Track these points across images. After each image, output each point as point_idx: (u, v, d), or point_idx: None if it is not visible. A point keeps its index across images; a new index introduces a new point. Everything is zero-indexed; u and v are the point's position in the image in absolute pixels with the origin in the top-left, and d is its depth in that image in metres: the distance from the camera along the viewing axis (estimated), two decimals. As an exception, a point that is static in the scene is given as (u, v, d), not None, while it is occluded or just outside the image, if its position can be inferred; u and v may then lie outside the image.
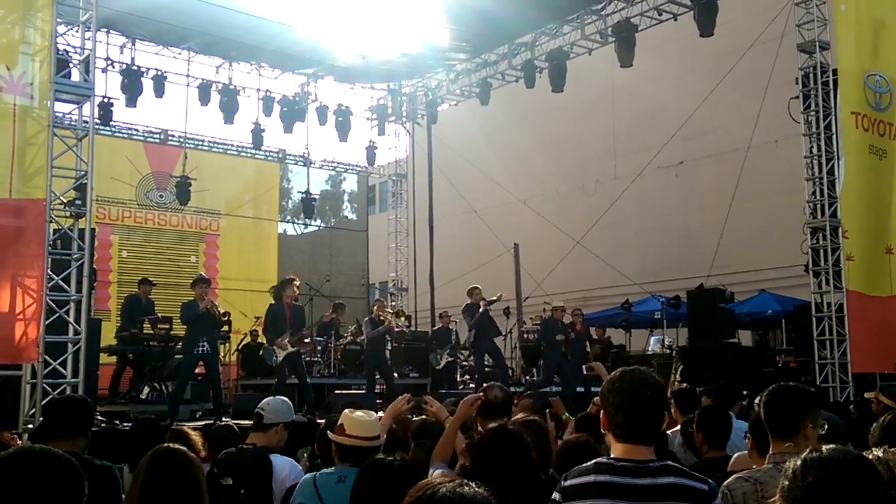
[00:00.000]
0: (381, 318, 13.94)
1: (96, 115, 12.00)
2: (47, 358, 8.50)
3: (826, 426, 3.44)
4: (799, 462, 2.07)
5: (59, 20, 9.18)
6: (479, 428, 4.36)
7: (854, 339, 11.90)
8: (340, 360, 15.69)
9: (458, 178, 23.47)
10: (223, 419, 11.08)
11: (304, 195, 21.49)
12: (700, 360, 13.18)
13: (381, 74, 20.00)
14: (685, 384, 7.12)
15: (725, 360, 12.92)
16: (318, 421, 7.30)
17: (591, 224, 21.08)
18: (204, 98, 18.67)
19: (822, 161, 12.67)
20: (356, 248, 25.28)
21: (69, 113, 9.83)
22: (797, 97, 13.12)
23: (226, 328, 14.88)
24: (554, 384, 14.82)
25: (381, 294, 25.37)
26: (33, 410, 8.46)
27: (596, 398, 4.23)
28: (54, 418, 4.33)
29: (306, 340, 13.68)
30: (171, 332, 13.67)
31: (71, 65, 9.49)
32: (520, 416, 4.50)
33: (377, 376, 14.08)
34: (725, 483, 3.42)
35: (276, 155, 22.21)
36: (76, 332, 8.83)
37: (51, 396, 8.33)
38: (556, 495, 2.85)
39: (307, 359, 15.15)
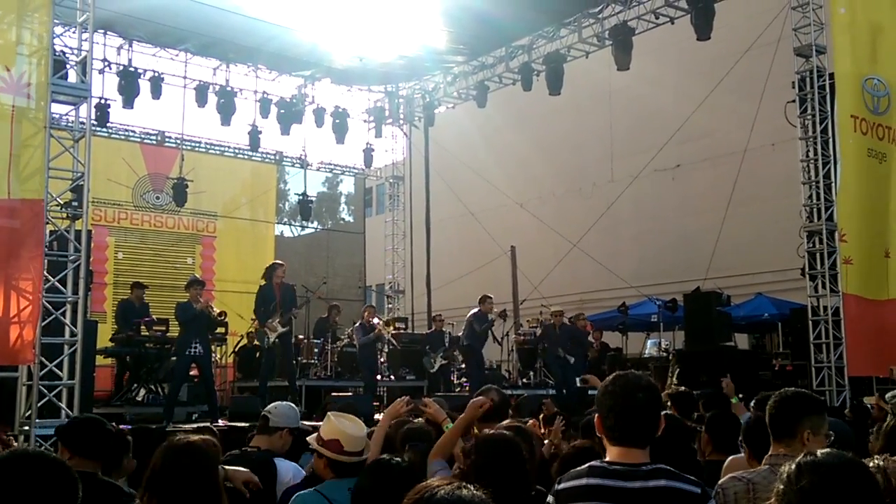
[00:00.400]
0: (371, 324, 14.05)
1: (93, 116, 12.00)
2: (43, 360, 8.48)
3: (833, 437, 3.44)
4: (793, 465, 2.08)
5: (56, 21, 9.16)
6: (475, 431, 4.36)
7: (850, 342, 11.91)
8: (337, 363, 15.68)
9: (455, 180, 23.49)
10: (219, 421, 11.11)
11: (300, 197, 21.50)
12: (697, 364, 13.20)
13: (379, 77, 20.01)
14: (682, 387, 7.11)
15: (722, 363, 12.93)
16: (318, 423, 7.27)
17: (587, 227, 21.10)
18: (201, 100, 18.66)
19: (818, 165, 12.68)
20: (353, 250, 25.32)
21: (66, 114, 9.82)
22: (794, 101, 13.14)
23: (222, 330, 14.89)
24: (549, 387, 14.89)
25: (377, 296, 25.40)
26: (29, 412, 8.44)
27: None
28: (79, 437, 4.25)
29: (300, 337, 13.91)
30: (167, 335, 13.66)
31: (68, 66, 9.47)
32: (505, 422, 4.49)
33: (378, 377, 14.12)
34: (720, 482, 3.49)
35: (273, 157, 22.21)
36: (72, 334, 8.81)
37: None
38: (549, 498, 2.87)
39: (304, 361, 15.17)
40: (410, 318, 20.99)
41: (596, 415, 2.94)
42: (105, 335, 14.24)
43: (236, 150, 21.52)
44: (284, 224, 25.78)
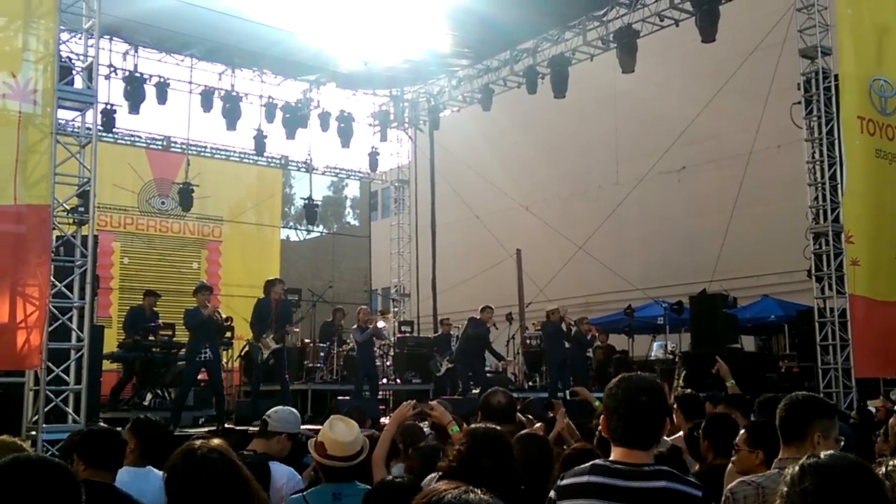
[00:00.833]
0: (368, 323, 14.11)
1: (99, 122, 12.02)
2: (50, 365, 8.49)
3: (843, 441, 3.45)
4: (797, 468, 2.08)
5: (62, 27, 9.18)
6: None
7: (857, 344, 11.87)
8: (343, 366, 15.69)
9: (460, 183, 23.49)
10: (226, 425, 11.13)
11: (306, 201, 21.53)
12: (703, 366, 13.13)
13: (384, 81, 20.03)
14: (689, 390, 7.08)
15: (728, 365, 12.87)
16: (316, 427, 7.26)
17: (593, 229, 21.08)
18: (206, 105, 18.72)
19: (824, 166, 12.67)
20: (359, 254, 25.31)
21: (72, 120, 9.84)
22: (799, 102, 13.13)
23: (228, 334, 14.92)
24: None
25: (383, 300, 25.38)
26: (36, 417, 8.46)
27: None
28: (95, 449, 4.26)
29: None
30: (174, 339, 13.68)
31: (74, 72, 9.51)
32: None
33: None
34: (729, 486, 3.50)
35: (278, 161, 22.26)
36: (79, 339, 8.82)
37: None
38: (552, 493, 2.88)
39: (310, 365, 15.19)
40: (416, 322, 21.00)
41: (602, 416, 2.96)
42: (111, 340, 14.27)
43: (242, 155, 21.57)
44: (290, 228, 25.76)
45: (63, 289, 8.75)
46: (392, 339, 17.00)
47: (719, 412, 5.49)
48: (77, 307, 8.87)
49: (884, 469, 2.30)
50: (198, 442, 3.18)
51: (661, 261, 23.42)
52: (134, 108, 17.60)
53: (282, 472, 4.77)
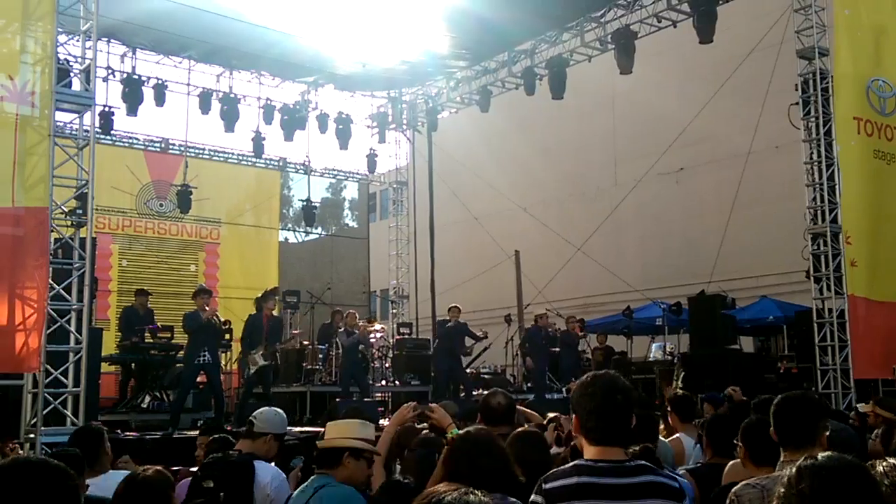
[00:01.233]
0: (355, 327, 14.18)
1: (97, 124, 12.02)
2: (49, 367, 8.49)
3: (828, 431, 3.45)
4: (794, 469, 2.08)
5: (59, 30, 9.19)
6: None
7: (856, 344, 11.89)
8: (341, 368, 15.66)
9: (458, 185, 23.50)
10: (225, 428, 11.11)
11: (304, 203, 21.50)
12: (702, 367, 13.18)
13: (382, 82, 20.02)
14: (682, 391, 7.09)
15: (727, 366, 12.92)
16: (314, 429, 7.28)
17: (591, 231, 21.09)
18: (204, 107, 18.70)
19: (822, 167, 12.67)
20: (357, 255, 25.25)
21: (70, 122, 9.84)
22: (797, 103, 13.13)
23: (227, 336, 14.90)
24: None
25: (382, 301, 25.35)
26: (34, 420, 8.45)
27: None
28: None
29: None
30: (172, 341, 13.67)
31: (72, 74, 9.51)
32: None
33: (378, 385, 14.18)
34: (734, 489, 3.46)
35: (276, 163, 22.24)
36: (77, 342, 8.82)
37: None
38: (537, 498, 2.84)
39: (308, 367, 15.18)
40: (415, 323, 21.00)
41: (574, 415, 2.98)
42: (109, 343, 14.25)
43: (240, 157, 21.55)
44: (288, 230, 25.70)
45: (61, 291, 8.75)
46: (390, 340, 17.00)
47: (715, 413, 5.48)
48: (75, 310, 8.87)
49: (880, 469, 2.30)
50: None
51: (659, 262, 23.43)
52: (132, 111, 17.57)
53: (266, 472, 4.81)
